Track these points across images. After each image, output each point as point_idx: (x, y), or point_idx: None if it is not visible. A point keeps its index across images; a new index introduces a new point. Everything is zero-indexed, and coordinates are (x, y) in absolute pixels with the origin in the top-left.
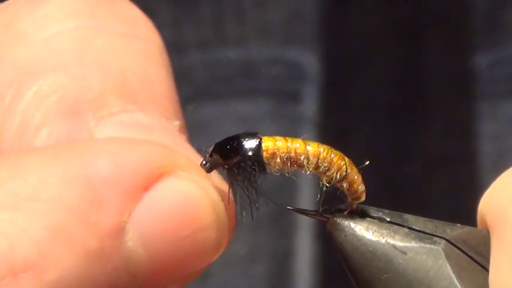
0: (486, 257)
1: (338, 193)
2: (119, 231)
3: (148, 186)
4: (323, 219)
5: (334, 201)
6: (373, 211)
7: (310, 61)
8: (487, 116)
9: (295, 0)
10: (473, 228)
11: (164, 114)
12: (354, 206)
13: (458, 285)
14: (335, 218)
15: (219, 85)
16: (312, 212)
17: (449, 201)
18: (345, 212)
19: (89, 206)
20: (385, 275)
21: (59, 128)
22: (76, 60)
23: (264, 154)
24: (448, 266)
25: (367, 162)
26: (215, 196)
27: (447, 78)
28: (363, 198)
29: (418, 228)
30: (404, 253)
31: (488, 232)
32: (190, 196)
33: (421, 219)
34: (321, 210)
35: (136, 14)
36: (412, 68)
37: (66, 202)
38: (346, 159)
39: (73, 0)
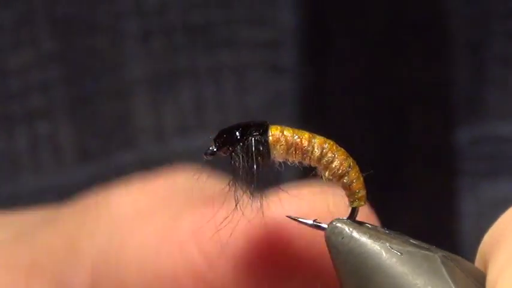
0: (483, 284)
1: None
2: None
3: None
4: (321, 228)
5: None
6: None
7: None
8: (467, 195)
9: (274, 83)
10: (471, 264)
11: None
12: (354, 208)
13: (453, 286)
14: (333, 222)
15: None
16: (311, 221)
17: None
18: (345, 216)
19: None
20: (379, 275)
21: None
22: None
23: (270, 138)
24: (443, 270)
25: (371, 171)
26: None
27: (428, 155)
28: (363, 202)
29: (415, 242)
30: (401, 254)
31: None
32: None
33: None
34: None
35: None
36: (394, 144)
37: None
38: (350, 158)
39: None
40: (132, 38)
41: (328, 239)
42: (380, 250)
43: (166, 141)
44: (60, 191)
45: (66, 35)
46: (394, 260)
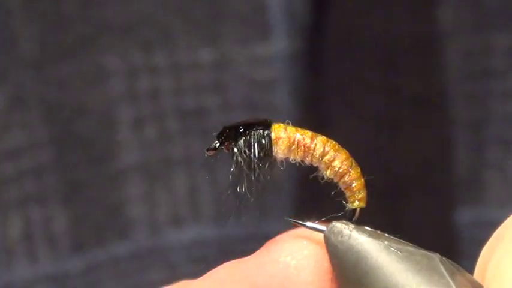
0: None
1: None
2: None
3: None
4: (320, 230)
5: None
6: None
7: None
8: None
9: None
10: (470, 274)
11: None
12: (354, 210)
13: (451, 283)
14: (333, 222)
15: (196, 266)
16: (310, 224)
17: None
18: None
19: None
20: (378, 271)
21: None
22: None
23: (273, 134)
24: (442, 268)
25: (372, 177)
26: None
27: (428, 235)
28: (363, 203)
29: (414, 246)
30: (400, 251)
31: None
32: None
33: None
34: (317, 221)
35: None
36: (393, 224)
37: None
38: (352, 158)
39: None
40: (124, 123)
41: (327, 239)
42: (379, 247)
43: (160, 232)
44: (55, 281)
45: (57, 120)
46: (393, 257)
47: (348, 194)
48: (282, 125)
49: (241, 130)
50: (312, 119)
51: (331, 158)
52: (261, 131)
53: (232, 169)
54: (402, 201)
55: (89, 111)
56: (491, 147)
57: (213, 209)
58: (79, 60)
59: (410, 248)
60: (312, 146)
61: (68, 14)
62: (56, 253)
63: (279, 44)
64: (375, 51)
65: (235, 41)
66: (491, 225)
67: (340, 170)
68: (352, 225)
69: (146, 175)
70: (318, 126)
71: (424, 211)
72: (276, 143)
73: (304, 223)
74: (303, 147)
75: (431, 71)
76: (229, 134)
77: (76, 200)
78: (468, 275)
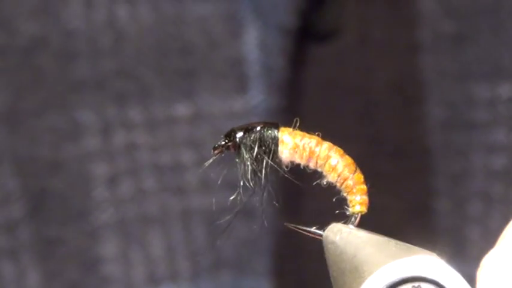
0: None
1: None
2: None
3: None
4: (318, 233)
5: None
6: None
7: None
8: None
9: (247, 227)
10: None
11: None
12: (355, 214)
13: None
14: (333, 223)
15: None
16: (309, 229)
17: None
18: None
19: None
20: (377, 258)
21: None
22: None
23: (280, 134)
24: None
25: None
26: None
27: None
28: (365, 207)
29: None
30: (398, 244)
31: None
32: None
33: None
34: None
35: None
36: None
37: None
38: (356, 165)
39: None
40: (99, 179)
41: (326, 238)
42: (378, 240)
43: None
44: None
45: (30, 175)
46: (392, 247)
47: (350, 197)
48: (289, 129)
49: (248, 128)
50: (291, 173)
51: (336, 161)
52: (268, 132)
53: (238, 168)
54: None
55: (63, 167)
56: (473, 200)
57: (190, 268)
58: (52, 114)
59: (409, 245)
60: (317, 150)
61: (41, 68)
62: None
63: (256, 99)
64: (353, 103)
65: (211, 95)
66: (471, 281)
67: (344, 173)
68: (351, 226)
69: (122, 232)
70: (297, 180)
71: None
72: (282, 144)
73: (303, 228)
74: (308, 150)
75: (411, 122)
76: (236, 132)
77: (50, 256)
78: None
